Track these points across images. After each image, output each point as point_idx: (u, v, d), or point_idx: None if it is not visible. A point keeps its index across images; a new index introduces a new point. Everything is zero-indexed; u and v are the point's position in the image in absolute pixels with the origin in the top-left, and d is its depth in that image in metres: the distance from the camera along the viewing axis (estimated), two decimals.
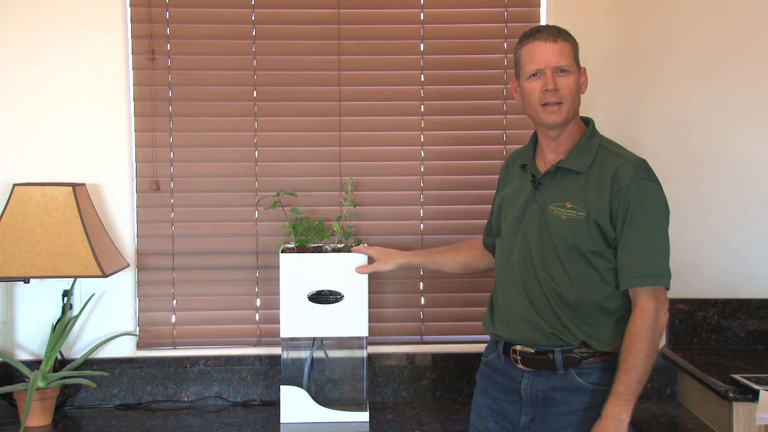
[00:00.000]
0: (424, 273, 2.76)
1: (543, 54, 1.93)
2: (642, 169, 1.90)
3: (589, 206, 1.90)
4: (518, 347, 1.97)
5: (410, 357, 2.71)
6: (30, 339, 2.65)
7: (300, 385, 2.51)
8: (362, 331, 2.47)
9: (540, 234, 1.95)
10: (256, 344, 2.73)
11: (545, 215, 1.95)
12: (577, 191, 1.92)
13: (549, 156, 2.01)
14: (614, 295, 1.91)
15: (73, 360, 2.60)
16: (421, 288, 2.77)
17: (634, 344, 1.83)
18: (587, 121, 2.03)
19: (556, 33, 1.94)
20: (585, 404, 1.91)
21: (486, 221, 2.25)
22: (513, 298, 2.00)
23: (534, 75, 1.95)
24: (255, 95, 2.73)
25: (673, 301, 2.70)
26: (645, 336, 1.83)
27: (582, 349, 1.92)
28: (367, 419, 2.47)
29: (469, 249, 2.33)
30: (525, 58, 1.97)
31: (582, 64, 2.00)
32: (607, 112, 2.71)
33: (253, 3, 2.71)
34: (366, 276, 2.44)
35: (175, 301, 2.73)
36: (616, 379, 1.84)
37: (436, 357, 2.71)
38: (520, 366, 1.97)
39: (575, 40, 1.98)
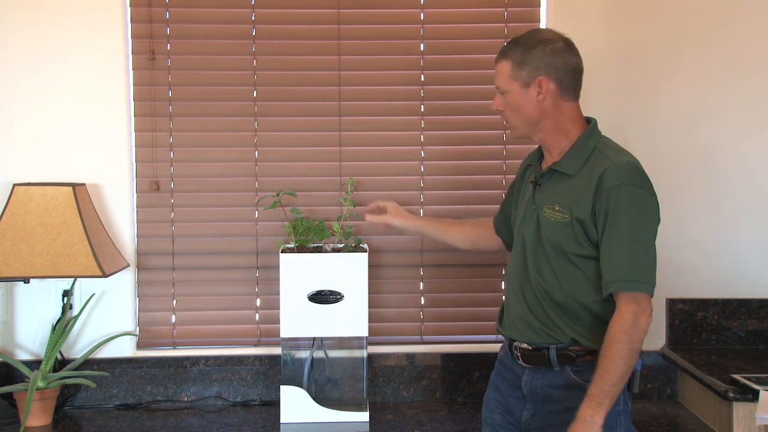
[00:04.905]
0: (424, 273, 2.76)
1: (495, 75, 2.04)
2: (627, 174, 1.86)
3: (572, 209, 1.91)
4: (518, 344, 2.01)
5: (410, 357, 2.71)
6: (30, 339, 2.65)
7: (300, 385, 2.51)
8: (362, 331, 2.47)
9: (534, 235, 1.98)
10: (256, 344, 2.73)
11: (539, 217, 1.98)
12: (566, 194, 1.94)
13: (548, 158, 2.04)
14: (601, 298, 1.90)
15: (73, 360, 2.60)
16: (421, 288, 2.77)
17: (610, 347, 1.82)
18: (590, 121, 2.02)
19: (502, 53, 2.01)
20: (581, 401, 1.91)
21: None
22: (512, 298, 2.05)
23: None
24: (255, 95, 2.72)
25: (673, 301, 2.71)
26: (621, 339, 1.82)
27: (576, 347, 1.93)
28: (367, 419, 2.47)
29: (477, 227, 2.37)
30: None
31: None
32: (606, 112, 2.69)
33: (253, 3, 2.71)
34: (366, 276, 2.44)
35: (175, 301, 2.73)
36: (592, 382, 1.83)
37: (436, 357, 2.71)
38: (521, 362, 2.01)
39: (522, 52, 1.94)
